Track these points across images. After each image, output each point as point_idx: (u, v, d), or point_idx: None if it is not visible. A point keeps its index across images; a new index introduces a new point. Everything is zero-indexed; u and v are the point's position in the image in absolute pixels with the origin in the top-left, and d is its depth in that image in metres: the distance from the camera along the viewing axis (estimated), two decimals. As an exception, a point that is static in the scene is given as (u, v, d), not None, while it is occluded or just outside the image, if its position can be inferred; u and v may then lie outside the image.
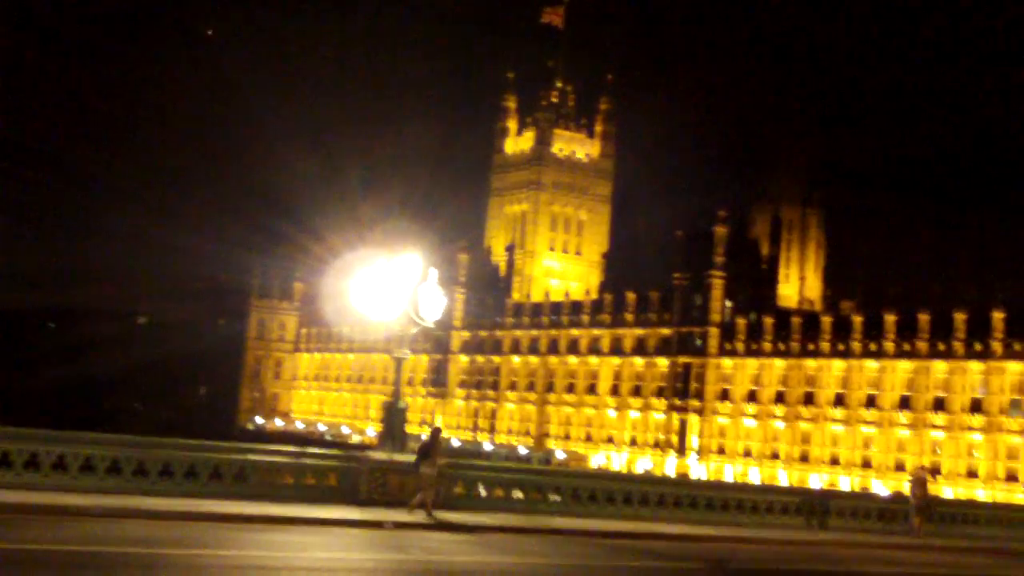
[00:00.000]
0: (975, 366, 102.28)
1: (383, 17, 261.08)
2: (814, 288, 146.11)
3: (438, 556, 23.08)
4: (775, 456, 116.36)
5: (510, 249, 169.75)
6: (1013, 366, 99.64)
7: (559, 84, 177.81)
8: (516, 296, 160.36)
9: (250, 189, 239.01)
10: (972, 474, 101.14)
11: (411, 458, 30.25)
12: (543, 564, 23.51)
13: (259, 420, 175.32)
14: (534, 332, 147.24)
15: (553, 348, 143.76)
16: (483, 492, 32.57)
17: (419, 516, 28.58)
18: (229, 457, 29.97)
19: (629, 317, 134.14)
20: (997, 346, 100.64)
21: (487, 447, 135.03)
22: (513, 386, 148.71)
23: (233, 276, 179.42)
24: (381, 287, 31.26)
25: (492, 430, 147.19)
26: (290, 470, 30.70)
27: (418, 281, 31.40)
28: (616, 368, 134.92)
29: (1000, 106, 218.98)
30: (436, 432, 31.39)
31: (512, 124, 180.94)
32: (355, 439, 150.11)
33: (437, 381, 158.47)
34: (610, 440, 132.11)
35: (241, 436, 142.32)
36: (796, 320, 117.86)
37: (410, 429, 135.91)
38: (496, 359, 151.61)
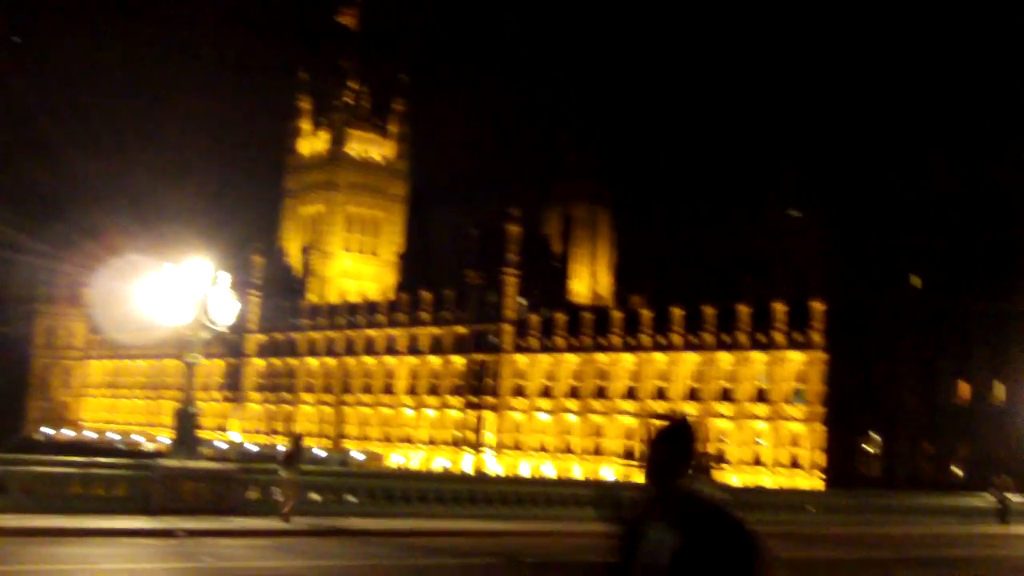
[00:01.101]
0: (759, 357, 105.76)
1: (174, 18, 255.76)
2: (605, 284, 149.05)
3: (230, 563, 22.98)
4: (569, 450, 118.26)
5: (306, 251, 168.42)
6: (795, 356, 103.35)
7: (353, 84, 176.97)
8: (312, 298, 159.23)
9: (34, 195, 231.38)
10: (758, 462, 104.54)
11: (205, 464, 30.15)
12: (338, 566, 23.64)
13: (48, 431, 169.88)
14: (330, 333, 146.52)
15: (350, 349, 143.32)
16: (279, 496, 32.45)
17: (281, 522, 29.33)
18: (13, 469, 29.25)
19: (425, 316, 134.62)
20: (780, 337, 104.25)
21: (283, 450, 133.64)
22: (310, 388, 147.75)
23: (17, 283, 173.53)
24: (171, 292, 30.91)
25: (288, 433, 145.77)
26: (78, 480, 30.10)
27: (209, 285, 31.13)
28: (413, 367, 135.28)
29: (776, 99, 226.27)
30: (298, 439, 32.85)
31: (306, 125, 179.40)
32: (148, 447, 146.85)
33: (232, 385, 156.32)
34: (407, 440, 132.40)
35: (29, 448, 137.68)
36: (588, 316, 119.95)
37: (205, 435, 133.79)
38: (292, 361, 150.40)
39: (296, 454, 31.45)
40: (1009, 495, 51.13)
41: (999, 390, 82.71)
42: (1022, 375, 79.16)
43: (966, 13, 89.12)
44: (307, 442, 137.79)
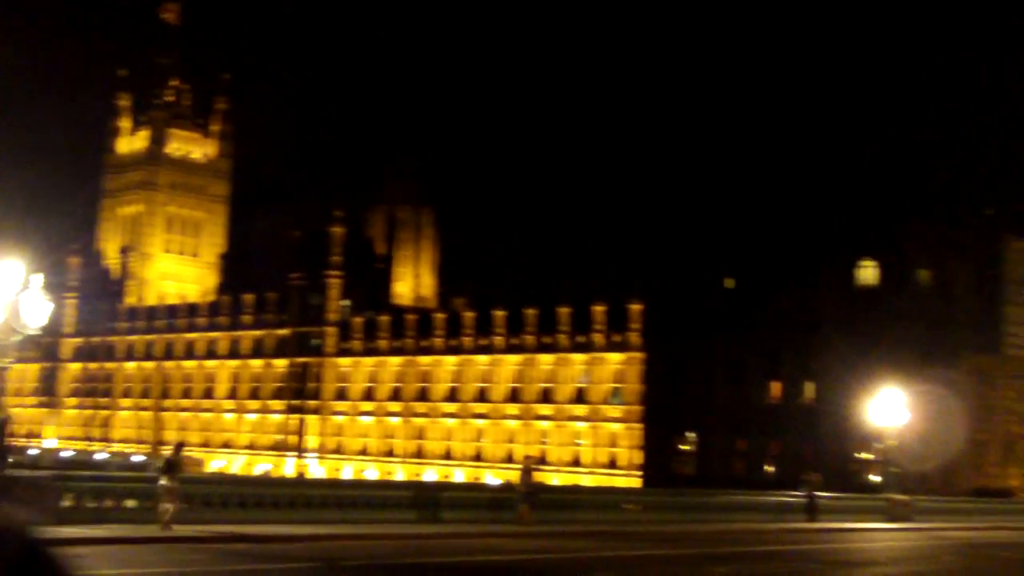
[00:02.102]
0: (578, 358, 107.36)
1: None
2: (428, 286, 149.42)
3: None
4: (391, 453, 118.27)
5: (124, 252, 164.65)
6: (613, 357, 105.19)
7: (175, 82, 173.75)
8: (131, 300, 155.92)
9: None
10: (577, 462, 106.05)
11: (15, 473, 29.53)
12: (151, 574, 23.43)
13: None
14: (149, 337, 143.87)
15: (169, 353, 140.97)
16: (93, 504, 31.90)
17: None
18: None
19: (247, 319, 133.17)
20: (599, 338, 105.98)
21: (100, 456, 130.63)
22: (128, 393, 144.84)
23: None
24: (-23, 296, 30.15)
25: (106, 439, 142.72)
26: None
27: (20, 287, 30.47)
28: (234, 371, 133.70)
29: (597, 101, 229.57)
30: (179, 447, 33.75)
31: (126, 123, 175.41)
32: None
33: (47, 390, 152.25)
34: (228, 444, 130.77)
35: None
36: (411, 318, 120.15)
37: (18, 442, 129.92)
38: (109, 365, 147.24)
39: (176, 462, 31.84)
40: (817, 492, 52.87)
41: (809, 389, 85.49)
42: (831, 375, 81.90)
43: (765, 15, 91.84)
44: (124, 449, 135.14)
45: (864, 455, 76.51)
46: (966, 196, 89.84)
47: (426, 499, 39.89)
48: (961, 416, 79.48)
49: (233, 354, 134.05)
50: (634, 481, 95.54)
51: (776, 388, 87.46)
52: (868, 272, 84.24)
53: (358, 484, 67.55)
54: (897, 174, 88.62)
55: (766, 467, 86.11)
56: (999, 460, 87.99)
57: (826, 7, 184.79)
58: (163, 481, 31.16)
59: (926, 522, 53.36)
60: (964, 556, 36.45)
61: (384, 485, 61.53)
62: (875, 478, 70.88)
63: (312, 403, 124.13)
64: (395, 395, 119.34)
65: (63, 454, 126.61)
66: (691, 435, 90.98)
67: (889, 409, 56.25)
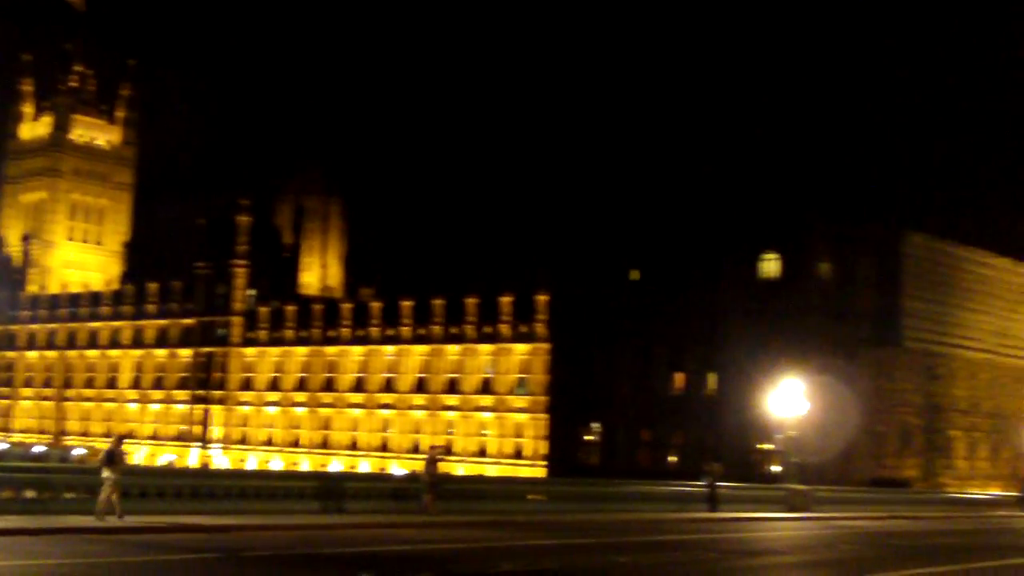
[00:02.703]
0: (485, 348, 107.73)
1: None
2: (336, 276, 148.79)
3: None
4: (297, 443, 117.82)
5: (26, 239, 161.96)
6: (519, 347, 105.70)
7: (79, 68, 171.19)
8: (33, 289, 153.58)
9: None
10: (483, 452, 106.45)
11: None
12: (49, 565, 23.22)
13: None
14: (51, 326, 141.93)
15: (72, 342, 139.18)
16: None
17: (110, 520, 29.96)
18: None
19: (151, 308, 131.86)
20: (505, 329, 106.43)
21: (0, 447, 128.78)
22: (29, 382, 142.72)
23: None
24: None
25: (6, 429, 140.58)
26: None
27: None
28: (137, 360, 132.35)
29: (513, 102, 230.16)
30: (120, 438, 34.13)
31: (29, 109, 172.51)
32: None
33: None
34: (131, 435, 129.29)
35: None
36: (317, 308, 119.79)
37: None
38: (10, 355, 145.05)
39: (117, 454, 32.03)
40: (719, 482, 53.60)
41: (712, 380, 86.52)
42: (733, 366, 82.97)
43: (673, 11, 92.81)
44: (25, 439, 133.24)
45: (765, 446, 77.64)
46: (867, 190, 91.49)
47: (330, 489, 39.86)
48: (860, 407, 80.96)
49: (137, 343, 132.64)
50: (539, 471, 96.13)
51: (680, 379, 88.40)
52: (770, 264, 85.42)
53: (262, 475, 67.25)
54: (800, 167, 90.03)
55: (669, 457, 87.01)
56: (896, 451, 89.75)
57: (735, 4, 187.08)
58: (105, 473, 31.46)
59: (825, 512, 54.31)
60: (860, 545, 37.24)
61: (288, 476, 61.29)
62: (776, 468, 71.97)
63: (217, 393, 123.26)
64: (301, 385, 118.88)
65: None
66: (596, 425, 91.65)
67: (789, 400, 57.21)
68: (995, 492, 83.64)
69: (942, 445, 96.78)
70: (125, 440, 34.43)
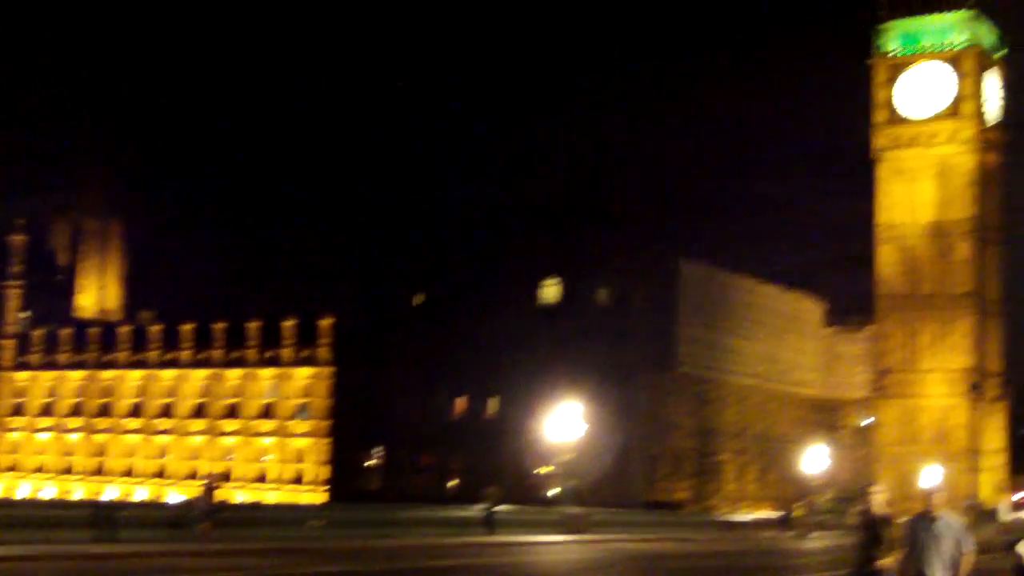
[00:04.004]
0: (267, 373, 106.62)
1: None
2: (114, 298, 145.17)
3: None
4: (70, 470, 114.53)
5: None
6: (302, 372, 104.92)
7: None
8: None
9: None
10: (263, 478, 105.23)
11: None
12: None
13: None
14: None
15: None
16: None
17: None
18: None
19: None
20: (288, 353, 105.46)
21: None
22: None
23: None
24: None
25: None
26: None
27: None
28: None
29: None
30: None
31: None
32: None
33: None
34: None
35: None
36: (94, 331, 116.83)
37: None
38: None
39: None
40: (497, 506, 54.24)
41: (493, 405, 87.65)
42: (514, 391, 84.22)
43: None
44: None
45: (543, 469, 78.92)
46: (645, 219, 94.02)
47: (103, 518, 39.08)
48: (635, 431, 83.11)
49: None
50: (321, 497, 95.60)
51: (462, 404, 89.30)
52: (551, 291, 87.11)
53: (32, 503, 65.33)
54: (579, 196, 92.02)
55: (450, 482, 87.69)
56: (670, 474, 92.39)
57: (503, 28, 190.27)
58: None
59: (600, 534, 55.38)
60: (633, 567, 38.31)
61: (59, 504, 59.73)
62: (553, 491, 73.21)
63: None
64: (76, 410, 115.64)
65: None
66: (378, 450, 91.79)
67: (567, 424, 58.29)
68: (762, 514, 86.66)
69: (713, 468, 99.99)
70: None
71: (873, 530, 15.91)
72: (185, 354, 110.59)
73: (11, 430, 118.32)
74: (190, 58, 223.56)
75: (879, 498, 16.25)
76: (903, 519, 15.63)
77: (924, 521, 15.22)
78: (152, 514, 43.65)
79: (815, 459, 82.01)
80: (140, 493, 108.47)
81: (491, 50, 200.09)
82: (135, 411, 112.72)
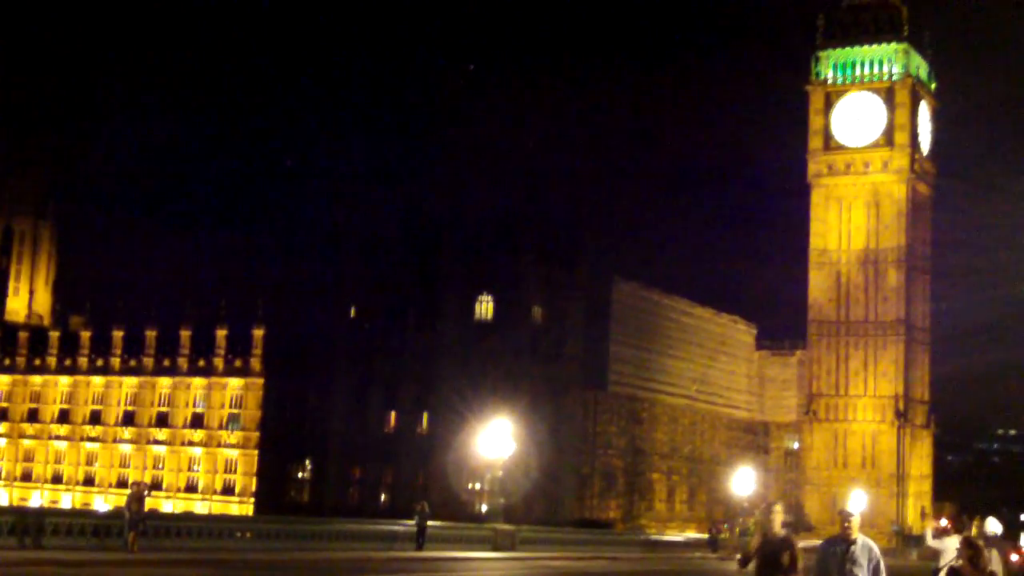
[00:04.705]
0: (198, 382, 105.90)
1: None
2: (44, 303, 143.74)
3: None
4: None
5: None
6: (233, 382, 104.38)
7: None
8: None
9: None
10: (192, 488, 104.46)
11: None
12: None
13: None
14: None
15: None
16: None
17: None
18: None
19: None
20: (219, 362, 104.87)
21: None
22: None
23: None
24: None
25: None
26: None
27: None
28: None
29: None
30: None
31: None
32: None
33: None
34: None
35: None
36: (24, 335, 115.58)
37: None
38: None
39: None
40: (427, 521, 54.26)
41: (425, 419, 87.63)
42: (446, 406, 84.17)
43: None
44: None
45: (474, 485, 79.01)
46: (579, 237, 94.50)
47: (28, 525, 38.70)
48: (567, 448, 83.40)
49: None
50: (250, 508, 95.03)
51: (394, 418, 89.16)
52: (485, 307, 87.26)
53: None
54: (514, 212, 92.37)
55: (381, 496, 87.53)
56: (600, 492, 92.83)
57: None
58: None
59: (529, 551, 55.55)
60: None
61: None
62: (483, 507, 73.28)
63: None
64: (2, 416, 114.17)
65: None
66: (307, 462, 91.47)
67: (497, 440, 58.43)
68: (691, 534, 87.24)
69: (643, 487, 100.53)
70: None
71: (773, 555, 14.81)
72: (115, 360, 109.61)
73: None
74: (114, 54, 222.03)
75: (778, 519, 15.17)
76: (813, 543, 15.39)
77: (839, 545, 14.65)
78: (79, 522, 43.09)
79: (744, 481, 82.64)
80: (66, 500, 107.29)
81: (434, 64, 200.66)
82: (63, 417, 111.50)
